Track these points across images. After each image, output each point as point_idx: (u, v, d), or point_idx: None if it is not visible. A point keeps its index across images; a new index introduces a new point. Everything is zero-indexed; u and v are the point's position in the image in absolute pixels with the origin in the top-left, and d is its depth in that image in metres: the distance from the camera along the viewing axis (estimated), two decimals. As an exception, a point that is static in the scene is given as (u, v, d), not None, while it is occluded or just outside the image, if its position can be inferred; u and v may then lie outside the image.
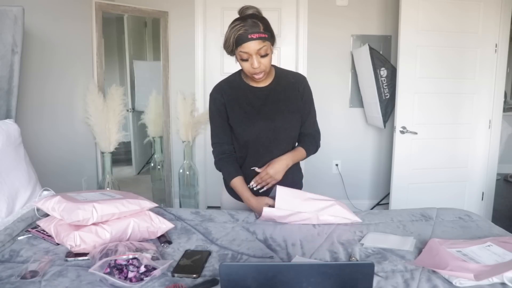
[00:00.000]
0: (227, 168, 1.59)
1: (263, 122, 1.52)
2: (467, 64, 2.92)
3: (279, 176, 1.52)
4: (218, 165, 1.62)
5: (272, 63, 1.53)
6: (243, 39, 1.35)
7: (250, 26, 1.35)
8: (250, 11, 1.42)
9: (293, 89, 1.57)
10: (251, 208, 1.55)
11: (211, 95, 1.58)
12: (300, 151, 1.59)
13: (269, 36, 1.40)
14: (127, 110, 3.25)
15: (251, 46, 1.36)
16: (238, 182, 1.56)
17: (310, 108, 1.62)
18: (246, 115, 1.53)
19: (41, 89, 2.35)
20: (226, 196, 1.70)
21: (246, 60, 1.40)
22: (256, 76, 1.45)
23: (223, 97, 1.55)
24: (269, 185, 1.52)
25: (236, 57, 1.45)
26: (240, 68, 1.59)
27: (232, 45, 1.39)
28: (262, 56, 1.40)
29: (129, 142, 3.49)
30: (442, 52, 2.86)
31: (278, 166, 1.51)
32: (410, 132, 2.88)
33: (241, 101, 1.54)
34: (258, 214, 1.50)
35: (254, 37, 1.35)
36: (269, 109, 1.53)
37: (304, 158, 1.62)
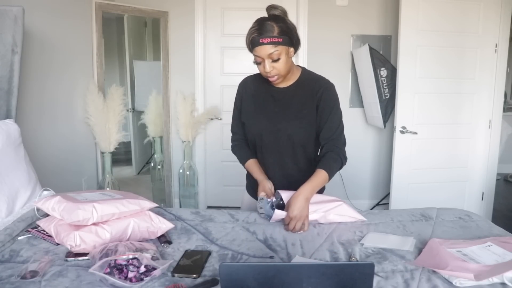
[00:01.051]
0: (239, 153, 1.65)
1: (266, 122, 1.52)
2: (467, 64, 2.92)
3: (306, 212, 1.38)
4: (233, 151, 1.69)
5: (297, 65, 1.56)
6: (255, 43, 1.36)
7: (264, 30, 1.34)
8: (274, 12, 1.40)
9: (310, 94, 1.51)
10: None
11: (239, 85, 1.64)
12: (319, 175, 1.43)
13: (285, 40, 1.36)
14: (127, 110, 3.25)
15: (262, 50, 1.36)
16: (250, 163, 1.60)
17: (328, 115, 1.50)
18: (255, 112, 1.55)
19: (41, 89, 2.35)
20: (247, 197, 1.71)
21: (260, 63, 1.41)
22: (270, 80, 1.46)
23: (243, 91, 1.61)
24: (306, 227, 1.37)
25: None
26: None
27: (249, 48, 1.41)
28: (274, 61, 1.38)
29: (129, 142, 3.49)
30: (442, 52, 2.86)
31: (299, 205, 1.36)
32: (410, 132, 2.88)
33: (258, 97, 1.56)
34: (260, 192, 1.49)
35: (265, 41, 1.34)
36: (278, 111, 1.52)
37: (329, 180, 1.48)
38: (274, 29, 1.35)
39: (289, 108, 1.52)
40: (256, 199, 1.59)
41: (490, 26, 2.90)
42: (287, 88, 1.54)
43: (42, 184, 1.66)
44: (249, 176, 1.68)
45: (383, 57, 3.26)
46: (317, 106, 1.50)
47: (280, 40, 1.35)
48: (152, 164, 3.73)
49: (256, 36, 1.35)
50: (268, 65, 1.38)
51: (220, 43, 3.52)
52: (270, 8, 1.41)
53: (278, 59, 1.38)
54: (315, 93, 1.51)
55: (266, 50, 1.35)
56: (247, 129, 1.58)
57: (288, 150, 1.54)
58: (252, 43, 1.36)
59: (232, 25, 3.45)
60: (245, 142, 1.65)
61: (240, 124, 1.63)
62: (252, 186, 1.66)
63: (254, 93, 1.58)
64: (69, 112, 2.72)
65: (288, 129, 1.50)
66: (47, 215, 1.36)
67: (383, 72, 3.19)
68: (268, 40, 1.34)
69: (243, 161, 1.63)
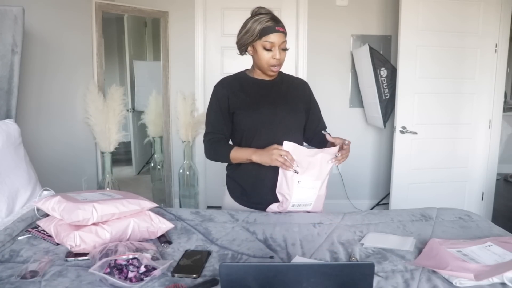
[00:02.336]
0: (222, 146, 1.55)
1: (268, 107, 1.54)
2: (467, 64, 2.92)
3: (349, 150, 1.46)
4: (211, 147, 1.56)
5: None
6: (271, 30, 1.44)
7: (278, 21, 1.46)
8: (264, 11, 1.49)
9: (297, 89, 1.64)
10: (261, 158, 1.42)
11: (214, 87, 1.60)
12: None
13: (286, 36, 1.50)
14: (127, 110, 3.25)
15: (277, 37, 1.45)
16: (236, 148, 1.51)
17: (319, 110, 1.69)
18: (252, 101, 1.55)
19: (41, 89, 2.35)
20: (228, 200, 1.68)
21: (269, 50, 1.46)
22: (274, 69, 1.51)
23: (225, 89, 1.56)
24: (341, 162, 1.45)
25: (252, 49, 1.50)
26: (243, 69, 1.63)
27: (256, 35, 1.45)
28: (283, 50, 1.48)
29: (129, 142, 3.48)
30: (442, 52, 2.86)
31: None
32: (410, 132, 2.88)
33: (246, 90, 1.57)
34: (271, 158, 1.38)
35: (280, 30, 1.46)
36: (275, 97, 1.57)
37: None
38: (282, 22, 1.48)
39: (285, 97, 1.58)
40: (239, 202, 1.62)
41: (490, 26, 2.90)
42: (273, 81, 1.60)
43: (42, 184, 1.66)
44: (234, 175, 1.62)
45: (383, 57, 3.26)
46: (307, 104, 1.64)
47: (286, 33, 1.49)
48: (152, 164, 3.72)
49: (272, 24, 1.44)
50: (279, 52, 1.46)
51: (220, 43, 3.52)
52: (260, 8, 1.50)
53: (285, 49, 1.49)
54: (302, 89, 1.66)
55: (281, 38, 1.46)
56: (248, 117, 1.53)
57: (291, 131, 1.55)
58: (268, 30, 1.44)
59: (232, 25, 3.45)
60: (224, 139, 1.58)
61: (221, 124, 1.55)
62: (236, 189, 1.63)
63: (240, 87, 1.58)
64: (69, 112, 2.72)
65: (291, 112, 1.57)
66: (47, 215, 1.36)
67: (383, 72, 3.19)
68: (282, 29, 1.46)
69: (228, 151, 1.51)
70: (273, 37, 1.44)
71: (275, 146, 1.40)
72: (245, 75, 1.62)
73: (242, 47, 1.53)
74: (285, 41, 1.48)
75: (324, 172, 1.48)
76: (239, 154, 1.50)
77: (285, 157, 1.38)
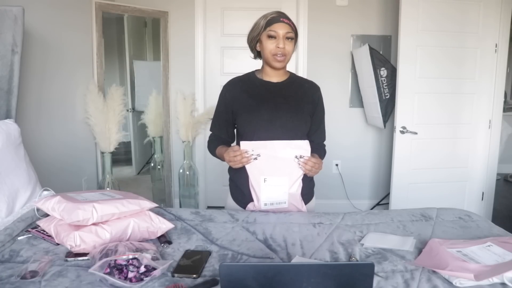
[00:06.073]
0: (213, 144, 1.66)
1: (271, 110, 1.54)
2: (467, 64, 2.92)
3: (321, 166, 1.51)
4: (208, 145, 1.70)
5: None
6: (275, 20, 1.48)
7: (284, 15, 1.51)
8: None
9: (305, 93, 1.63)
10: (226, 156, 1.49)
11: (222, 87, 1.65)
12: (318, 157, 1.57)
13: (296, 32, 1.53)
14: (127, 110, 3.25)
15: (281, 27, 1.48)
16: (220, 147, 1.61)
17: (322, 118, 1.67)
18: (255, 103, 1.55)
19: (41, 89, 2.35)
20: (230, 201, 1.69)
21: (274, 37, 1.49)
22: (278, 58, 1.51)
23: (228, 92, 1.61)
24: (312, 173, 1.51)
25: (259, 43, 1.53)
26: (252, 70, 1.63)
27: (261, 28, 1.50)
28: (288, 39, 1.50)
29: (129, 142, 3.48)
30: (442, 52, 2.86)
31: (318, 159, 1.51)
32: (410, 132, 2.88)
33: (251, 91, 1.58)
34: (230, 156, 1.46)
35: (285, 21, 1.49)
36: (279, 101, 1.56)
37: None
38: (290, 19, 1.52)
39: (289, 99, 1.57)
40: (240, 205, 1.63)
41: (490, 26, 2.90)
42: (281, 83, 1.60)
43: (42, 184, 1.66)
44: (234, 178, 1.64)
45: (383, 57, 3.26)
46: (313, 108, 1.62)
47: (293, 27, 1.51)
48: (152, 164, 3.72)
49: (277, 16, 1.49)
50: (283, 41, 1.48)
51: (220, 43, 3.52)
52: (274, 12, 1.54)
53: (292, 39, 1.51)
54: (310, 93, 1.63)
55: (285, 28, 1.49)
56: (249, 119, 1.54)
57: (291, 136, 1.52)
58: (272, 21, 1.48)
59: (232, 25, 3.45)
60: (219, 139, 1.68)
61: (221, 125, 1.65)
62: (237, 191, 1.65)
63: (247, 89, 1.59)
64: (69, 112, 2.72)
65: (293, 116, 1.55)
66: (47, 215, 1.36)
67: (383, 72, 3.19)
68: (287, 21, 1.50)
69: (215, 147, 1.64)
70: (277, 26, 1.48)
71: (230, 149, 1.48)
72: (253, 76, 1.62)
73: (252, 43, 1.56)
74: (291, 33, 1.49)
75: (291, 168, 1.46)
76: (219, 153, 1.60)
77: (236, 157, 1.44)
